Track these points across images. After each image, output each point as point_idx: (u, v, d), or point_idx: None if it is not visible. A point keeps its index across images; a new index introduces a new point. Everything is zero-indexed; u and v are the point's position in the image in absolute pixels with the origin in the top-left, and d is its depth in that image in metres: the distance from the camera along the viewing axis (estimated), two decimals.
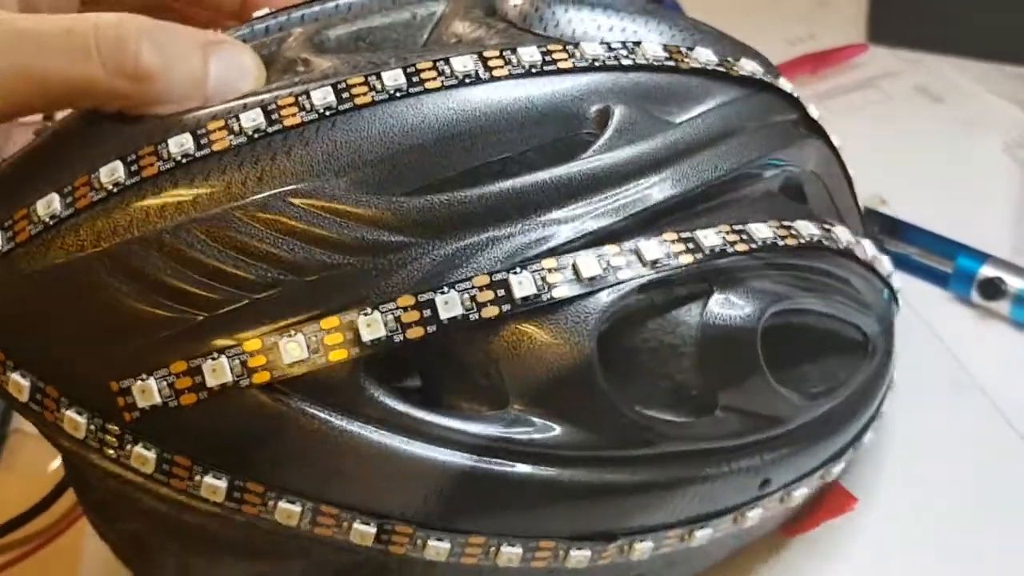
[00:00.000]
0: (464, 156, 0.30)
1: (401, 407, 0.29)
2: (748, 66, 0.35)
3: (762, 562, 0.39)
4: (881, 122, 0.65)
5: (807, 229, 0.34)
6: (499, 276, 0.29)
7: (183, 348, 0.28)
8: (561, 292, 0.29)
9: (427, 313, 0.28)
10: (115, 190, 0.29)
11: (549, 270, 0.29)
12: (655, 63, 0.33)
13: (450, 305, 0.28)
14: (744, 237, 0.32)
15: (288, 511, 0.29)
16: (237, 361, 0.28)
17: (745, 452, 0.33)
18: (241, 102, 0.30)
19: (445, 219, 0.29)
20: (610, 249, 0.30)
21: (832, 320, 0.36)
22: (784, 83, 0.37)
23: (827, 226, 0.35)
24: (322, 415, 0.28)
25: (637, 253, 0.30)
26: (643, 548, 0.32)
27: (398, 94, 0.30)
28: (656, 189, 0.31)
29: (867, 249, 0.38)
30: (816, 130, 0.38)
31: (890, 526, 0.40)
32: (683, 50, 0.34)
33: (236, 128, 0.29)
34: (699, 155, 0.33)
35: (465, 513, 0.30)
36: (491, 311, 0.29)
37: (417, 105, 0.30)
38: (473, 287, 0.29)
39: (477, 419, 0.30)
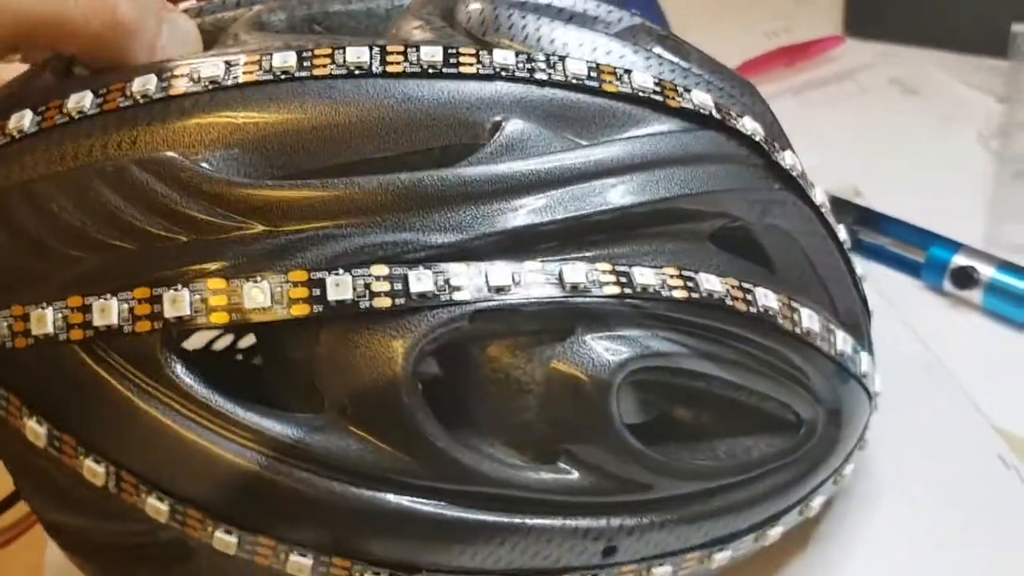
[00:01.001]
0: (338, 149, 0.29)
1: (203, 393, 0.28)
2: (698, 98, 0.32)
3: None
4: (857, 114, 0.66)
5: (709, 284, 0.31)
6: (317, 275, 0.27)
7: (21, 294, 0.28)
8: (381, 303, 0.28)
9: (234, 300, 0.27)
10: (17, 136, 0.29)
11: (377, 277, 0.28)
12: (575, 81, 0.31)
13: (256, 296, 0.27)
14: (622, 280, 0.29)
15: (93, 470, 0.29)
16: (60, 315, 0.28)
17: (586, 511, 0.30)
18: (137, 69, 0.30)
19: (283, 207, 0.28)
20: (455, 268, 0.28)
21: (749, 394, 0.34)
22: (751, 127, 0.33)
23: (768, 292, 0.32)
24: (124, 385, 0.28)
25: (485, 276, 0.28)
26: None
27: (283, 76, 0.29)
28: (525, 211, 0.29)
29: (839, 342, 0.35)
30: (788, 183, 0.34)
31: (863, 512, 0.40)
32: (617, 71, 0.31)
33: (128, 92, 0.29)
34: (595, 182, 0.30)
35: (252, 512, 0.29)
36: (301, 309, 0.27)
37: (298, 89, 0.29)
38: (287, 281, 0.27)
39: (281, 419, 0.28)
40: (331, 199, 0.28)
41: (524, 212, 0.29)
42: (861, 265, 0.38)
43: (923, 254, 0.51)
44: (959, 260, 0.49)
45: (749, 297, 0.32)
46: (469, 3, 0.33)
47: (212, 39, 0.33)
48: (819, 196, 0.36)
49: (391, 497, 0.29)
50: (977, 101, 0.65)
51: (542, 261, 0.29)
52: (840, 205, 0.55)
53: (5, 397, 0.29)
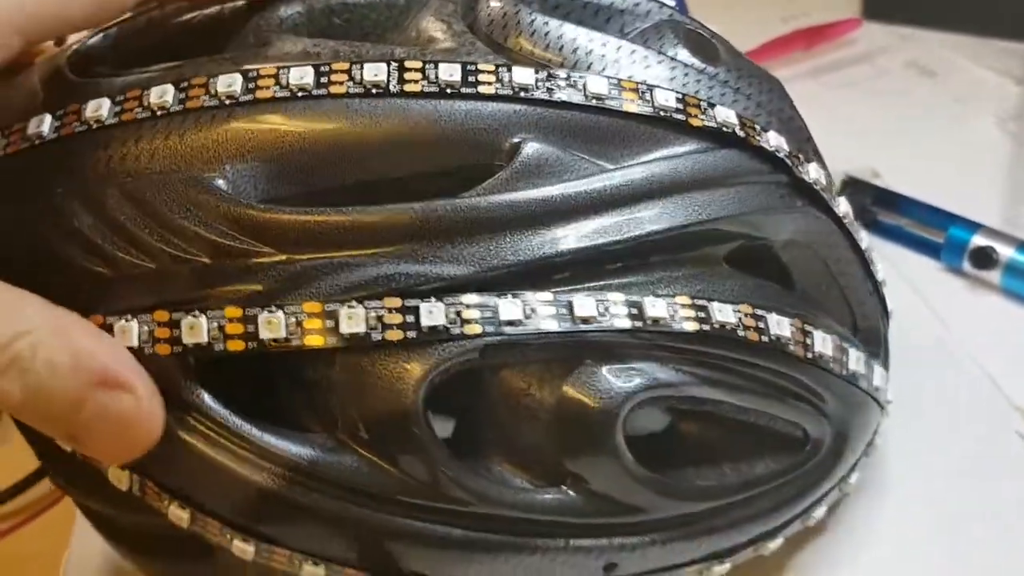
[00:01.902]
0: (354, 168, 0.29)
1: (220, 413, 0.28)
2: (721, 115, 0.31)
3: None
4: (874, 97, 0.65)
5: (722, 315, 0.30)
6: (331, 307, 0.27)
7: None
8: (393, 335, 0.27)
9: (250, 329, 0.27)
10: (37, 142, 0.29)
11: (389, 310, 0.28)
12: (595, 102, 0.30)
13: (274, 326, 0.27)
14: (633, 312, 0.29)
15: (118, 475, 0.29)
16: None
17: (589, 532, 0.31)
18: (156, 74, 0.29)
19: (298, 234, 0.28)
20: (467, 299, 0.28)
21: (758, 415, 0.33)
22: (775, 143, 0.32)
23: (781, 319, 0.32)
24: None
25: (496, 311, 0.28)
26: None
27: (300, 94, 0.28)
28: (539, 243, 0.29)
29: (851, 362, 0.34)
30: (812, 197, 0.34)
31: (883, 492, 0.40)
32: (639, 88, 0.30)
33: (145, 103, 0.29)
34: (613, 212, 0.30)
35: (267, 526, 0.29)
36: (315, 340, 0.27)
37: (315, 107, 0.29)
38: (302, 312, 0.27)
39: (295, 440, 0.29)
40: (346, 227, 0.28)
41: (538, 243, 0.29)
42: (878, 247, 0.39)
43: (942, 235, 0.51)
44: (978, 241, 0.49)
45: (761, 325, 0.31)
46: (490, 1, 0.32)
47: (215, 28, 0.33)
48: (843, 207, 0.35)
49: (399, 518, 0.29)
50: (995, 84, 0.65)
51: (554, 292, 0.29)
52: (859, 186, 0.55)
53: None
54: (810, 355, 0.32)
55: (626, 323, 0.29)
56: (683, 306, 0.30)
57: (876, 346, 0.37)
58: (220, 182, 0.28)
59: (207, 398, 0.28)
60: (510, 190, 0.29)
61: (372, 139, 0.29)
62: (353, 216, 0.28)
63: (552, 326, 0.28)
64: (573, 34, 0.31)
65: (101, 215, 0.28)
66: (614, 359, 0.30)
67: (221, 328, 0.27)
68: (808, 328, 0.33)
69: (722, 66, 0.33)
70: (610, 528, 0.31)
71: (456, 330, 0.28)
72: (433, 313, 0.28)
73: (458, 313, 0.28)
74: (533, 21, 0.31)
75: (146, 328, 0.27)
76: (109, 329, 0.27)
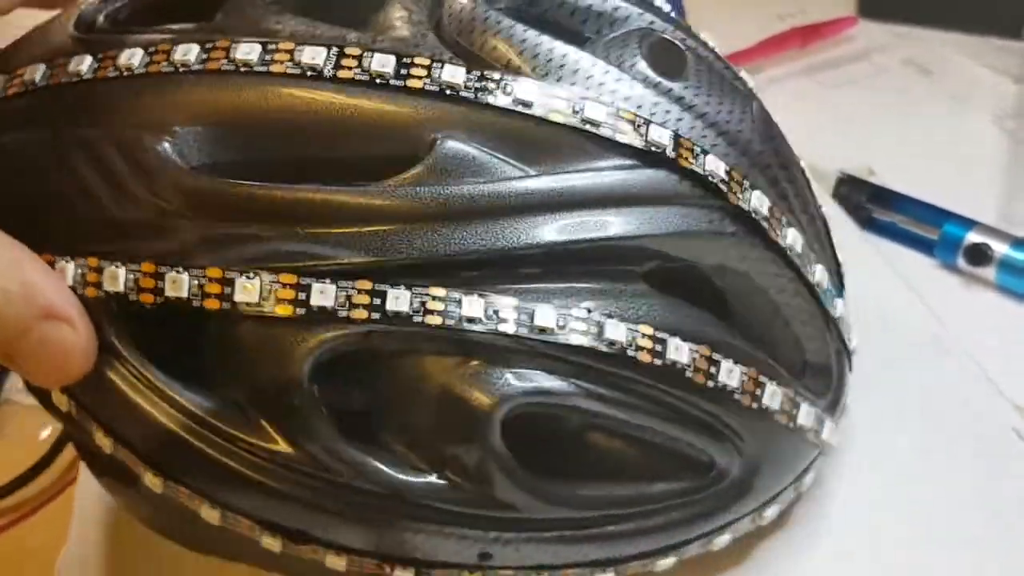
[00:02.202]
0: (288, 144, 0.30)
1: (136, 357, 0.30)
2: (654, 134, 0.31)
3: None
4: (871, 95, 0.65)
5: (615, 332, 0.30)
6: (230, 274, 0.29)
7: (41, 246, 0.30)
8: (283, 310, 0.29)
9: (160, 285, 0.29)
10: (30, 88, 0.31)
11: (284, 285, 0.29)
12: (520, 107, 0.30)
13: (177, 285, 0.29)
14: (522, 319, 0.30)
15: (59, 398, 0.32)
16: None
17: (463, 521, 0.32)
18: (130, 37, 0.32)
19: (218, 203, 0.29)
20: (361, 285, 0.29)
21: (654, 434, 0.33)
22: (712, 167, 0.32)
23: (682, 345, 0.31)
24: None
25: (383, 299, 0.29)
26: (337, 562, 0.33)
27: (243, 68, 0.30)
28: (437, 238, 0.29)
29: (767, 396, 0.33)
30: (748, 224, 0.33)
31: (879, 487, 0.40)
32: (571, 99, 0.30)
33: (117, 63, 0.30)
34: (530, 217, 0.30)
35: (170, 464, 0.32)
36: (212, 303, 0.29)
37: (256, 83, 0.30)
38: (204, 276, 0.29)
39: (200, 393, 0.31)
40: (258, 200, 0.29)
41: (436, 240, 0.29)
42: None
43: (937, 232, 0.51)
44: (973, 237, 0.50)
45: (659, 348, 0.31)
46: None
47: None
48: (790, 238, 0.34)
49: (279, 482, 0.31)
50: (992, 82, 0.65)
51: (448, 290, 0.30)
52: (854, 183, 0.55)
53: None
54: (711, 384, 0.32)
55: (511, 328, 0.30)
56: (577, 319, 0.30)
57: (825, 383, 0.37)
58: (166, 142, 0.30)
59: (126, 343, 0.30)
60: (417, 184, 0.30)
61: (304, 120, 0.30)
62: (266, 191, 0.29)
63: (437, 321, 0.29)
64: (535, 40, 0.31)
65: (95, 157, 0.30)
66: (500, 362, 0.30)
67: (136, 281, 0.29)
68: (716, 358, 0.32)
69: (683, 81, 0.33)
70: (485, 520, 0.32)
71: (343, 313, 0.29)
72: (324, 294, 0.29)
73: (348, 298, 0.29)
74: (498, 21, 0.32)
75: (80, 271, 0.30)
76: (52, 266, 0.30)
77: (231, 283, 0.29)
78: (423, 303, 0.29)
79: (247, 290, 0.29)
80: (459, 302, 0.29)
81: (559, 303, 0.30)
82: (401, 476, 0.31)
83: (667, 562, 0.35)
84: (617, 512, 0.33)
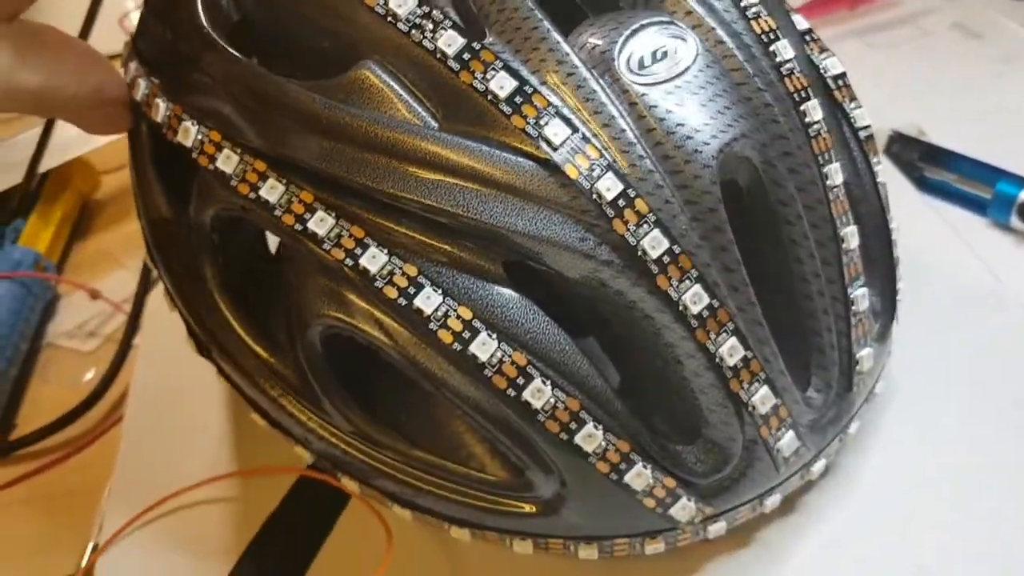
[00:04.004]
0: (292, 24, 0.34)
1: None
2: (551, 130, 0.30)
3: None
4: (919, 58, 0.65)
5: (429, 304, 0.30)
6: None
7: None
8: (203, 160, 0.33)
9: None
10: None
11: (215, 145, 0.33)
12: (439, 55, 0.31)
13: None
14: (356, 252, 0.31)
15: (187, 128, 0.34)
16: None
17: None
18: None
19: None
20: (257, 166, 0.32)
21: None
22: (606, 186, 0.30)
23: (489, 342, 0.30)
24: None
25: (262, 182, 0.32)
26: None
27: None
28: (330, 154, 0.31)
29: (635, 475, 0.31)
30: (624, 253, 0.30)
31: (934, 441, 0.40)
32: (488, 64, 0.30)
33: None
34: (411, 165, 0.30)
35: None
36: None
37: None
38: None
39: None
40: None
41: (321, 151, 0.31)
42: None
43: (990, 190, 0.50)
44: None
45: (466, 335, 0.30)
46: None
47: None
48: (688, 297, 0.31)
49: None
50: None
51: (317, 194, 0.31)
52: (905, 141, 0.54)
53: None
54: (512, 392, 0.30)
55: (340, 255, 0.31)
56: (402, 273, 0.30)
57: (714, 466, 0.33)
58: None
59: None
60: (319, 92, 0.31)
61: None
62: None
63: (290, 221, 0.31)
64: (514, 4, 0.31)
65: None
66: (329, 278, 0.32)
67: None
68: (531, 371, 0.30)
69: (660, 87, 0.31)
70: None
71: (235, 183, 0.32)
72: (229, 160, 0.32)
73: (243, 170, 0.32)
74: None
75: (200, 138, 0.33)
76: (180, 120, 0.33)
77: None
78: (291, 199, 0.31)
79: (226, 162, 0.32)
80: (314, 211, 0.31)
81: (399, 253, 0.31)
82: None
83: (460, 533, 0.35)
84: (413, 465, 0.34)
